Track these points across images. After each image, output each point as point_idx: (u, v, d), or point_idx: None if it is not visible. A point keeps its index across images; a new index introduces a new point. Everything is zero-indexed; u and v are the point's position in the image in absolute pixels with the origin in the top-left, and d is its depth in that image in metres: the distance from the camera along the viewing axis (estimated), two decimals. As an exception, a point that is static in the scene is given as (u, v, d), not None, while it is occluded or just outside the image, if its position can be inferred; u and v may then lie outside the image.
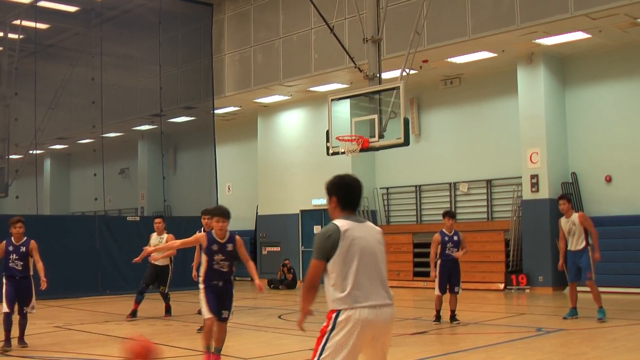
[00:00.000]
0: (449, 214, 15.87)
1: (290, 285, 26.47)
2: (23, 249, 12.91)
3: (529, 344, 11.98)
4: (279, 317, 16.89)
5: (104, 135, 28.73)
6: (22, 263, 12.82)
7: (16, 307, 12.71)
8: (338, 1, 19.72)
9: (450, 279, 15.17)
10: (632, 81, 21.90)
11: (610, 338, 12.50)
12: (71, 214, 38.52)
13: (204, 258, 10.38)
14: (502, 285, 22.81)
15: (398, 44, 21.20)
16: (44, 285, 12.75)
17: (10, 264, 12.82)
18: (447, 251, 15.31)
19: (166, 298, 17.71)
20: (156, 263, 17.15)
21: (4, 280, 12.83)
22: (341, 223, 5.94)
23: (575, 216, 15.20)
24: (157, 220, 18.27)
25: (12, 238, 13.08)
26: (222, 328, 10.51)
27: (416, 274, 24.89)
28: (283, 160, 29.57)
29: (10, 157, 29.80)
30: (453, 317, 14.95)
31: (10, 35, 29.72)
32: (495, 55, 22.52)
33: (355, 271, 5.86)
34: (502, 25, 20.27)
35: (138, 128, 34.22)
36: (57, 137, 36.40)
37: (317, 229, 28.46)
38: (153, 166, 32.53)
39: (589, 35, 20.61)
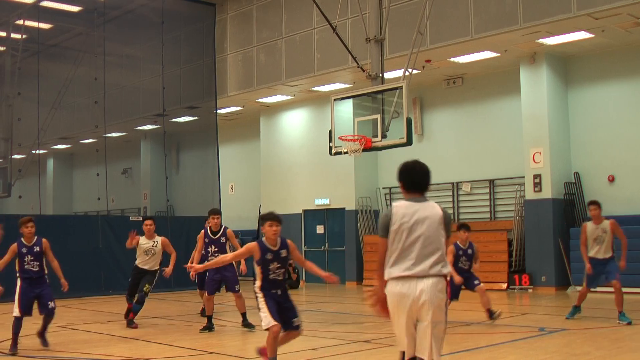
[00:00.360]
0: (465, 227, 15.52)
1: (294, 285, 26.43)
2: (37, 248, 12.67)
3: (531, 344, 11.97)
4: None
5: (106, 135, 28.74)
6: (37, 263, 12.61)
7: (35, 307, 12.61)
8: (341, 1, 19.73)
9: (466, 283, 14.99)
10: (635, 81, 21.88)
11: (613, 338, 12.49)
12: (74, 213, 38.54)
13: (257, 269, 9.54)
14: (504, 285, 22.80)
15: (401, 44, 21.21)
16: (65, 287, 12.70)
17: (25, 266, 12.57)
18: (459, 264, 14.98)
19: (143, 299, 15.60)
20: (146, 268, 15.73)
21: (19, 283, 12.61)
22: (397, 204, 6.69)
23: (606, 223, 14.69)
24: (147, 222, 15.96)
25: (23, 239, 12.80)
26: (293, 336, 9.79)
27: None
28: (286, 160, 29.58)
29: (13, 157, 29.80)
30: (491, 314, 14.77)
31: (13, 35, 29.74)
32: (498, 55, 22.51)
33: (400, 246, 6.43)
34: (504, 25, 20.25)
35: (141, 128, 34.24)
36: (60, 137, 36.41)
37: (320, 229, 28.47)
38: (156, 166, 32.56)
39: (591, 35, 20.59)
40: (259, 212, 30.83)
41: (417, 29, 18.33)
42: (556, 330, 13.34)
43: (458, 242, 15.26)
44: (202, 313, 16.76)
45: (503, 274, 23.01)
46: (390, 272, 6.43)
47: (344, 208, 27.45)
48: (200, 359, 11.45)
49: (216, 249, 15.17)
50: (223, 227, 15.35)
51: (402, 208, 6.66)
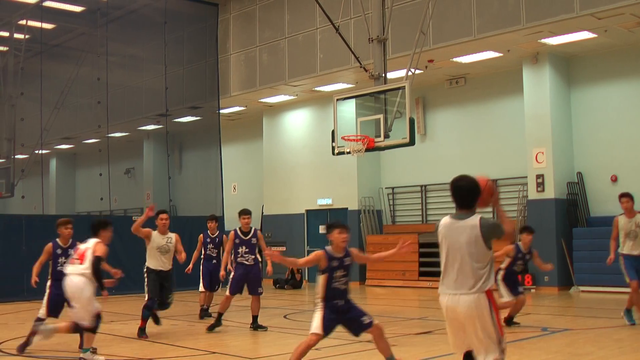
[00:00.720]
0: (528, 229, 14.80)
1: (296, 285, 26.46)
2: (72, 251, 12.21)
3: (534, 344, 11.97)
4: (285, 316, 16.89)
5: (109, 135, 28.74)
6: None
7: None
8: (343, 1, 19.75)
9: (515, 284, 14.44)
10: (637, 81, 21.86)
11: (616, 338, 12.48)
12: (77, 213, 38.55)
13: (322, 278, 9.12)
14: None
15: (403, 44, 21.20)
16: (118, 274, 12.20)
17: (57, 268, 12.38)
18: (514, 267, 14.40)
19: (166, 307, 14.61)
20: (162, 269, 14.29)
21: (49, 283, 12.50)
22: (443, 220, 7.10)
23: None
24: (162, 215, 14.57)
25: (59, 240, 12.71)
26: (378, 334, 9.52)
27: (422, 274, 24.86)
28: (288, 160, 29.59)
29: (16, 157, 29.83)
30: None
31: (16, 35, 29.76)
32: (501, 55, 22.50)
33: (444, 262, 6.98)
34: (507, 25, 20.25)
35: (144, 128, 34.25)
36: (63, 137, 36.45)
37: (322, 229, 28.47)
38: (158, 166, 32.58)
39: (594, 35, 20.58)
40: (262, 212, 30.85)
41: (419, 29, 18.34)
42: (559, 330, 13.33)
43: (520, 245, 14.53)
44: (204, 314, 16.76)
45: (506, 274, 22.95)
46: (439, 285, 7.11)
47: (347, 208, 27.45)
48: (203, 359, 11.45)
49: (247, 250, 14.87)
50: (253, 228, 15.12)
51: (443, 224, 7.09)
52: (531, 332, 13.23)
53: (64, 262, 12.07)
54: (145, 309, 13.85)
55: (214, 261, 17.15)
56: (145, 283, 14.14)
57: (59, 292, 11.77)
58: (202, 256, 17.39)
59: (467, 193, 6.98)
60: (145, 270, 14.32)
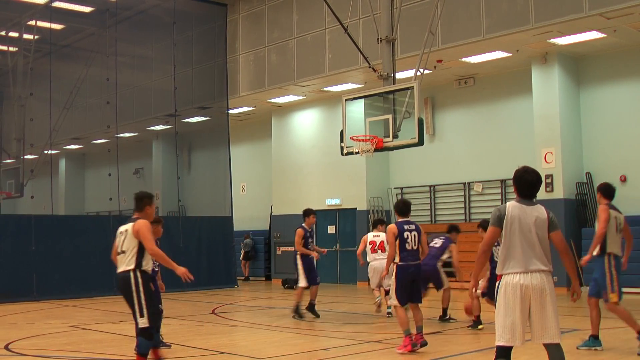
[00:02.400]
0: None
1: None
2: None
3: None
4: (292, 317, 16.87)
5: (118, 135, 28.79)
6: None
7: None
8: (352, 1, 19.75)
9: None
10: (647, 81, 21.85)
11: (625, 338, 12.44)
12: (86, 214, 38.65)
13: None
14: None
15: (412, 44, 21.19)
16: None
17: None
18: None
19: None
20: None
21: None
22: (510, 204, 7.56)
23: None
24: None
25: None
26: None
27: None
28: (297, 160, 29.59)
29: (26, 157, 29.91)
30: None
31: (26, 36, 29.84)
32: (510, 55, 22.47)
33: (511, 243, 7.31)
34: (516, 25, 20.22)
35: (152, 128, 34.30)
36: (72, 137, 36.52)
37: (331, 229, 28.48)
38: (167, 166, 32.62)
39: (603, 35, 20.54)
40: (271, 213, 30.87)
41: (428, 29, 18.33)
42: (568, 330, 13.30)
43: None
44: (311, 308, 16.69)
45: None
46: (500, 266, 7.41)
47: (356, 208, 27.46)
48: (211, 359, 11.46)
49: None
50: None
51: (513, 208, 7.57)
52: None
53: None
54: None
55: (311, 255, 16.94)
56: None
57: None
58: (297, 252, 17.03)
59: (530, 183, 7.75)
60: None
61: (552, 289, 7.17)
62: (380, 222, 17.38)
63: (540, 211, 7.46)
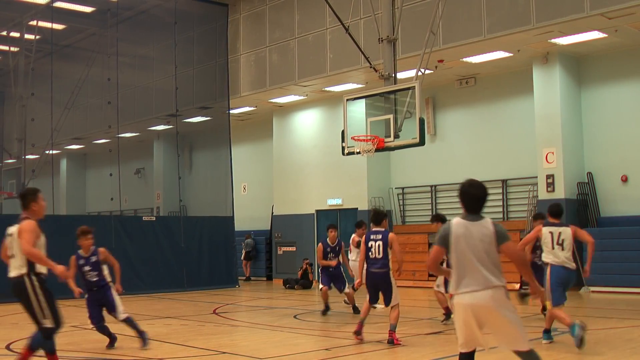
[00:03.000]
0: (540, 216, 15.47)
1: (306, 285, 26.47)
2: (94, 258, 12.93)
3: (545, 344, 11.93)
4: (295, 317, 16.89)
5: (119, 135, 28.82)
6: (96, 273, 12.85)
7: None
8: (353, 1, 19.75)
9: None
10: (648, 81, 21.85)
11: (627, 338, 12.45)
12: (87, 213, 38.64)
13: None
14: (517, 286, 22.72)
15: (413, 44, 21.18)
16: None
17: (86, 277, 12.86)
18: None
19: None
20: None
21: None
22: (454, 222, 7.20)
23: None
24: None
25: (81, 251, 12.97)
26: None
27: (431, 274, 24.80)
28: (298, 160, 29.59)
29: (27, 157, 29.90)
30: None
31: (27, 36, 29.85)
32: (511, 55, 22.47)
33: (459, 262, 7.06)
34: (517, 24, 20.21)
35: (154, 128, 34.31)
36: (73, 137, 36.53)
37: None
38: (169, 166, 32.63)
39: (604, 35, 20.54)
40: (272, 212, 30.87)
41: (429, 29, 18.34)
42: (569, 330, 13.28)
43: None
44: (355, 309, 16.96)
45: (516, 274, 22.88)
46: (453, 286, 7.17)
47: (357, 208, 27.45)
48: (212, 359, 11.46)
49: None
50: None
51: (457, 225, 7.19)
52: (541, 333, 13.20)
53: (89, 270, 12.79)
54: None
55: (330, 269, 17.55)
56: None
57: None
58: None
59: (475, 198, 7.32)
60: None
61: (504, 303, 6.98)
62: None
63: (486, 226, 7.18)
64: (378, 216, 12.98)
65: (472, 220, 7.17)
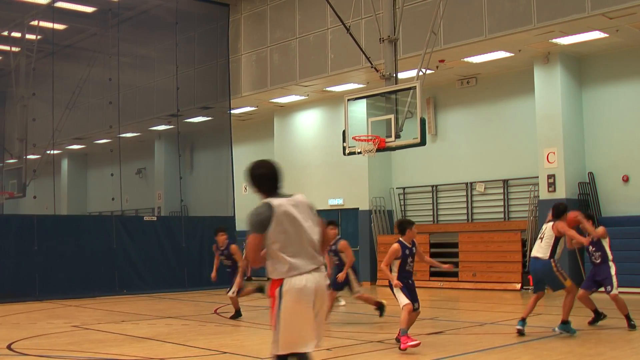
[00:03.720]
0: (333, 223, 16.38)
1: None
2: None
3: (545, 344, 11.95)
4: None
5: (120, 135, 28.84)
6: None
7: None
8: (354, 1, 19.76)
9: None
10: (649, 80, 21.84)
11: (628, 338, 12.45)
12: (88, 213, 38.65)
13: (397, 263, 11.94)
14: (518, 286, 22.75)
15: (414, 44, 21.20)
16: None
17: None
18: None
19: None
20: None
21: None
22: (271, 201, 6.35)
23: None
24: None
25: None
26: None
27: (432, 274, 24.83)
28: (299, 160, 29.59)
29: (28, 157, 29.90)
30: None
31: (28, 36, 29.85)
32: (512, 54, 22.47)
33: (288, 242, 6.30)
34: (518, 24, 20.22)
35: (155, 128, 34.32)
36: (75, 137, 36.55)
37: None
38: (170, 166, 32.64)
39: (606, 35, 20.53)
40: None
41: (430, 29, 18.35)
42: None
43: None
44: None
45: (517, 274, 22.96)
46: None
47: (358, 208, 27.46)
48: (214, 359, 11.47)
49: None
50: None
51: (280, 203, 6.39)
52: (542, 333, 13.21)
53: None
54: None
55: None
56: None
57: None
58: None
59: (278, 173, 6.55)
60: None
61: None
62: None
63: (301, 198, 6.54)
64: (401, 225, 12.29)
65: (286, 197, 6.49)
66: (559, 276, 12.86)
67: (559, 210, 13.44)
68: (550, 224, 13.20)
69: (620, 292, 13.84)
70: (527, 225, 23.11)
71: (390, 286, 11.95)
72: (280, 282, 6.29)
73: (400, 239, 11.99)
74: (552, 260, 12.92)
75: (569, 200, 21.95)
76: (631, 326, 13.39)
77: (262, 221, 6.24)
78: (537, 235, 13.49)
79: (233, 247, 16.64)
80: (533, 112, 23.07)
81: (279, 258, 6.29)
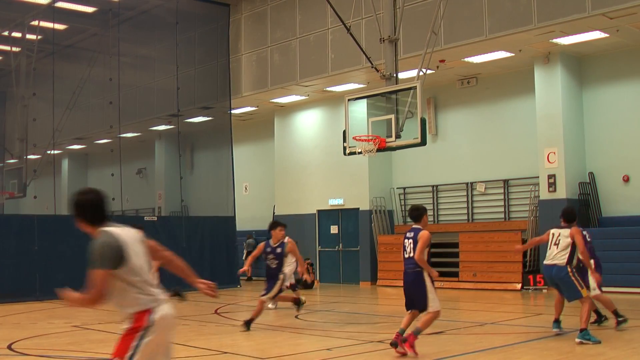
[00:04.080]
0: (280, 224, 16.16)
1: (309, 285, 26.44)
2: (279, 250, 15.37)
3: (546, 344, 11.96)
4: (296, 317, 16.90)
5: (121, 135, 28.84)
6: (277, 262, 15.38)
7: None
8: (355, 1, 19.76)
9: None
10: (650, 80, 21.84)
11: (628, 338, 12.45)
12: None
13: (426, 252, 11.34)
14: (519, 286, 22.74)
15: (415, 44, 21.19)
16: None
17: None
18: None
19: None
20: None
21: None
22: (115, 230, 6.15)
23: None
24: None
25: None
26: None
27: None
28: (300, 160, 29.59)
29: (28, 157, 29.90)
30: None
31: (29, 36, 29.86)
32: (512, 54, 22.46)
33: (138, 271, 6.00)
34: (519, 24, 20.21)
35: (155, 128, 34.31)
36: (75, 137, 36.54)
37: (334, 229, 28.47)
38: (170, 166, 32.63)
39: (606, 35, 20.53)
40: (273, 213, 30.87)
41: (431, 29, 18.34)
42: (571, 330, 13.29)
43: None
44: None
45: (517, 274, 22.95)
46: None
47: (358, 208, 27.46)
48: (214, 359, 11.47)
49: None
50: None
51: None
52: (543, 333, 13.22)
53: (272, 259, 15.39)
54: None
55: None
56: None
57: None
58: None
59: (103, 201, 6.42)
60: None
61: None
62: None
63: (136, 234, 6.23)
64: (413, 212, 11.87)
65: (120, 227, 6.19)
66: (575, 282, 12.48)
67: (573, 215, 13.42)
68: (567, 230, 13.01)
69: (610, 292, 13.86)
70: (528, 225, 23.10)
71: (417, 283, 11.24)
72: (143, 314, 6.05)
73: (419, 226, 11.52)
74: (568, 266, 12.61)
75: (569, 200, 21.96)
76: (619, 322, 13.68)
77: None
78: (537, 235, 13.45)
79: (291, 243, 15.57)
80: (533, 112, 23.07)
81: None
